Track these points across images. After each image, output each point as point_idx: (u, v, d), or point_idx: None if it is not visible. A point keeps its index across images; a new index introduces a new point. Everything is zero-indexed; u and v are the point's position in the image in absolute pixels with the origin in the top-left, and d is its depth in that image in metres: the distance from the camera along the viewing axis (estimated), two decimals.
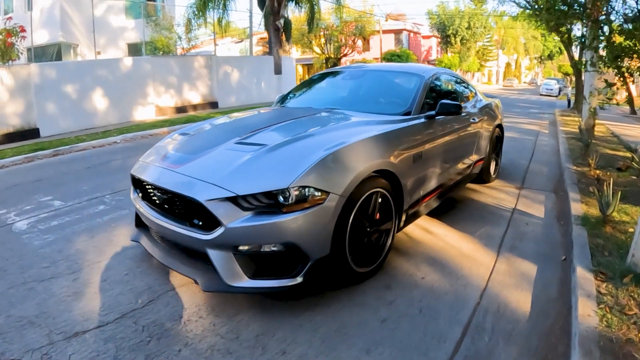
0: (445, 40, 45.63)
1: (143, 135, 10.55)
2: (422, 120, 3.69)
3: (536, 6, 14.76)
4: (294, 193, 2.49)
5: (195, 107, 15.80)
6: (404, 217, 3.39)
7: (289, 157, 2.74)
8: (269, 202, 2.50)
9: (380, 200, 3.02)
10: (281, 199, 2.49)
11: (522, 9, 17.00)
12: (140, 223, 3.39)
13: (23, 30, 11.24)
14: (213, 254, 2.54)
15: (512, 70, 67.54)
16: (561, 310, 2.76)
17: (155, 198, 2.98)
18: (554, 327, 2.59)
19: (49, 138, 10.60)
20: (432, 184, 3.83)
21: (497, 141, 5.77)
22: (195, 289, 2.97)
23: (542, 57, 67.84)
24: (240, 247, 2.51)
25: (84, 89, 12.23)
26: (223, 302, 2.83)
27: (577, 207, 4.36)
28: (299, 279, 2.57)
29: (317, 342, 2.43)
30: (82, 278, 3.20)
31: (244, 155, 2.78)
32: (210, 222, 2.55)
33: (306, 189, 2.52)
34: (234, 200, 2.48)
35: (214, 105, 16.54)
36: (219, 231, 2.48)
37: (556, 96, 33.81)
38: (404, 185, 3.25)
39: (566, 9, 6.97)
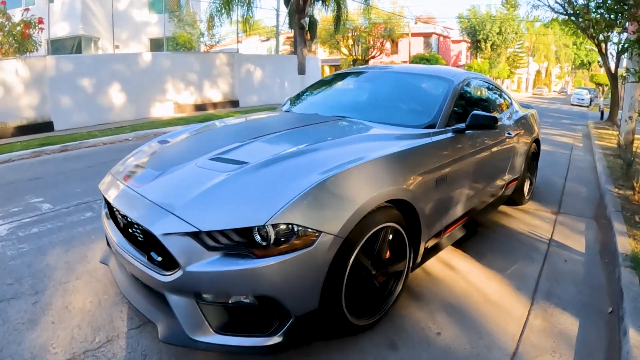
0: (476, 45, 44.53)
1: (156, 132, 10.14)
2: (449, 135, 3.06)
3: (571, 10, 14.13)
4: (272, 232, 1.89)
5: (215, 105, 15.45)
6: (420, 253, 2.77)
7: (272, 182, 2.12)
8: (242, 241, 1.91)
9: (391, 236, 2.43)
10: (258, 238, 1.91)
11: (555, 15, 16.30)
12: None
13: (41, 22, 11.03)
14: (173, 299, 1.98)
15: (542, 78, 65.88)
16: None
17: (119, 219, 2.45)
18: None
19: (62, 132, 10.39)
20: (458, 211, 3.19)
21: (532, 158, 5.09)
22: None
23: (574, 66, 66.15)
24: (205, 295, 1.95)
25: (100, 84, 11.99)
26: (188, 351, 2.28)
27: (624, 242, 3.71)
28: (277, 339, 1.98)
29: None
30: (43, 301, 2.79)
31: (216, 176, 2.19)
32: (169, 260, 1.99)
33: (290, 227, 1.92)
34: (197, 236, 1.91)
35: (234, 104, 16.18)
36: (177, 274, 1.92)
37: (587, 106, 33.07)
38: (423, 216, 2.63)
39: (619, 8, 6.26)
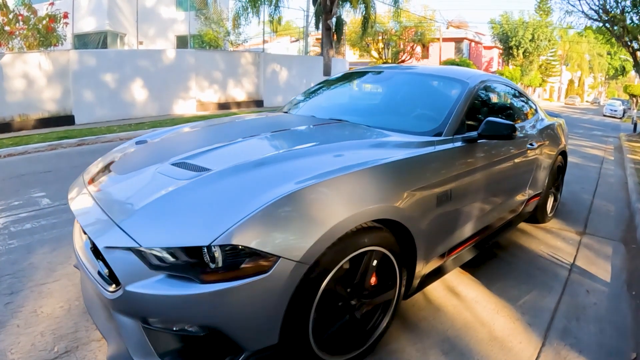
0: (507, 52, 43.68)
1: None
2: (458, 144, 2.69)
3: (606, 17, 13.62)
4: (219, 254, 1.61)
5: (239, 104, 15.38)
6: (416, 282, 2.42)
7: (230, 194, 1.82)
8: (188, 261, 1.63)
9: (375, 262, 2.09)
10: (207, 258, 1.61)
11: (589, 21, 15.80)
12: None
13: (66, 17, 11.14)
14: (119, 318, 1.73)
15: (574, 87, 64.30)
16: None
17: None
18: None
19: (83, 126, 10.45)
20: (467, 231, 2.83)
21: (558, 172, 4.67)
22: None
23: (608, 76, 64.44)
24: (149, 319, 1.69)
25: (123, 79, 12.00)
26: None
27: None
28: None
29: None
30: (16, 303, 2.67)
31: (170, 184, 1.92)
32: (113, 276, 1.74)
33: (239, 249, 1.63)
34: (139, 253, 1.66)
35: (259, 103, 16.08)
36: (118, 292, 1.67)
37: (620, 118, 32.15)
38: (419, 238, 2.26)
39: None
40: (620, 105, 34.87)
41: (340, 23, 17.18)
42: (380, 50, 35.11)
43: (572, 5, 15.68)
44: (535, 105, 4.52)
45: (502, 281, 3.24)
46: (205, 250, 1.60)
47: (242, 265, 1.62)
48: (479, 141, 2.81)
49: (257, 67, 15.83)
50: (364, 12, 17.71)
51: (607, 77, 65.19)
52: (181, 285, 1.60)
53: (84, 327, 2.42)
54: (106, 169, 2.43)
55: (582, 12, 15.18)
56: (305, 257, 1.70)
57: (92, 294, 2.10)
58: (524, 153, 3.59)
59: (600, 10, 13.68)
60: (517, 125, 3.14)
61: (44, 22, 10.76)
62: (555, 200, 4.78)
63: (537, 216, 4.35)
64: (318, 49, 33.43)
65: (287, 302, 1.71)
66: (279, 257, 1.65)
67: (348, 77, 4.16)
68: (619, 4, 12.68)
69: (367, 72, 4.09)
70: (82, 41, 15.35)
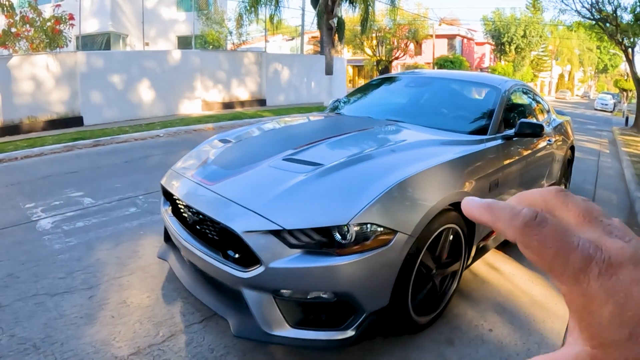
0: (500, 48, 44.10)
1: (187, 130, 10.28)
2: (500, 141, 3.13)
3: (599, 16, 13.99)
4: (354, 230, 1.97)
5: (242, 103, 15.51)
6: (472, 254, 2.85)
7: (349, 184, 2.22)
8: (322, 240, 1.99)
9: (451, 237, 2.51)
10: (338, 237, 1.98)
11: (581, 19, 16.17)
12: (169, 238, 2.94)
13: (72, 18, 11.19)
14: (249, 295, 2.07)
15: (565, 82, 64.95)
16: None
17: (185, 216, 2.54)
18: None
19: (92, 127, 10.50)
20: None
21: (568, 164, 5.16)
22: (224, 325, 2.52)
23: (597, 70, 65.18)
24: (283, 291, 2.03)
25: (130, 80, 12.10)
26: (257, 346, 2.37)
27: None
28: (350, 333, 2.06)
29: None
30: (98, 296, 2.85)
31: (294, 177, 2.28)
32: (248, 256, 2.08)
33: (369, 226, 2.00)
34: (279, 234, 1.99)
35: (262, 102, 16.21)
36: (258, 270, 2.00)
37: (611, 112, 32.55)
38: None
39: None
40: (611, 99, 35.43)
41: (341, 23, 17.37)
42: (374, 47, 35.29)
43: (565, 4, 16.08)
44: (547, 105, 4.91)
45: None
46: (337, 229, 1.97)
47: (371, 240, 1.99)
48: (514, 138, 3.22)
49: (260, 67, 15.95)
50: (363, 11, 17.89)
51: (596, 70, 65.91)
52: (320, 259, 1.95)
53: (179, 312, 2.67)
54: (207, 165, 2.72)
55: (576, 10, 15.58)
56: (413, 231, 2.11)
57: (194, 279, 2.41)
58: (544, 148, 3.99)
59: (593, 9, 14.06)
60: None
61: (49, 24, 10.84)
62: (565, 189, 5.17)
63: None
64: (312, 47, 33.60)
65: (398, 270, 2.10)
66: (397, 231, 2.05)
67: (387, 81, 4.52)
68: (611, 3, 13.07)
69: (405, 77, 4.44)
70: (85, 42, 15.41)
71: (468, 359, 2.37)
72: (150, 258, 3.37)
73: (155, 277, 3.09)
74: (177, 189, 2.59)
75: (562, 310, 2.92)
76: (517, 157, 3.31)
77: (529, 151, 3.60)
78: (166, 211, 2.82)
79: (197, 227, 2.43)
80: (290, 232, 1.99)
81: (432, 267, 2.43)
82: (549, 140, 4.10)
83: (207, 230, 2.35)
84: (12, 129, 9.67)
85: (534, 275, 3.39)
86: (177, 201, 2.63)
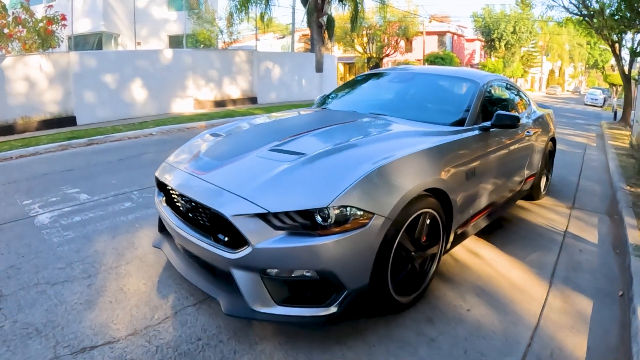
0: (490, 45, 44.40)
1: (180, 128, 10.42)
2: (476, 132, 3.31)
3: (586, 12, 14.21)
4: (334, 213, 2.16)
5: (234, 101, 15.66)
6: (451, 239, 3.03)
7: (330, 170, 2.41)
8: (304, 222, 2.17)
9: (428, 221, 2.68)
10: (319, 219, 2.16)
11: (570, 15, 16.40)
12: (163, 228, 3.13)
13: (64, 19, 11.24)
14: (238, 275, 2.24)
15: (555, 77, 65.40)
16: None
17: (179, 205, 2.72)
18: None
19: (86, 126, 10.59)
20: (483, 202, 3.44)
21: (549, 156, 5.34)
22: (216, 307, 2.69)
23: (588, 66, 65.57)
24: (269, 270, 2.21)
25: (123, 79, 12.20)
26: (247, 325, 2.54)
27: (635, 235, 3.96)
28: (333, 309, 2.24)
29: None
30: (96, 284, 2.99)
31: (279, 165, 2.47)
32: (236, 239, 2.26)
33: (348, 209, 2.19)
34: (265, 217, 2.18)
35: (253, 100, 16.36)
36: (245, 251, 2.18)
37: (601, 106, 32.90)
38: (455, 205, 2.90)
39: (633, 14, 6.41)
40: (600, 94, 35.74)
41: (331, 21, 17.51)
42: (365, 45, 35.46)
43: (553, 0, 16.31)
44: (528, 98, 5.11)
45: (510, 245, 3.90)
46: (318, 211, 2.15)
47: (349, 222, 2.18)
48: (491, 130, 3.41)
49: (251, 65, 16.09)
50: (352, 9, 18.03)
51: (587, 66, 66.29)
52: (302, 239, 2.14)
53: (174, 297, 2.82)
54: (199, 157, 2.89)
55: (563, 6, 15.83)
56: (390, 214, 2.29)
57: (187, 265, 2.60)
58: (523, 139, 4.17)
59: (580, 5, 14.27)
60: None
61: (41, 24, 10.89)
62: (547, 180, 5.43)
63: (532, 194, 4.99)
64: (303, 45, 33.68)
65: (376, 251, 2.28)
66: (374, 213, 2.23)
67: (372, 77, 4.71)
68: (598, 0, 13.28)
69: (390, 73, 4.61)
70: (77, 42, 15.45)
71: (447, 336, 2.53)
72: (146, 249, 3.53)
73: (151, 266, 3.24)
74: (171, 180, 2.75)
75: (539, 292, 3.10)
76: (494, 147, 3.47)
77: (507, 142, 3.78)
78: (160, 202, 2.99)
79: (190, 214, 2.59)
80: (275, 214, 2.16)
81: (411, 249, 2.59)
82: (528, 132, 4.28)
83: (199, 217, 2.52)
84: (6, 129, 9.77)
85: (514, 261, 3.57)
86: (171, 191, 2.80)
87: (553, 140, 5.45)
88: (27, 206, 4.59)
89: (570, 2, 15.02)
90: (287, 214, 2.17)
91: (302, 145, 2.79)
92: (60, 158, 7.28)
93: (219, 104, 15.07)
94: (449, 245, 3.04)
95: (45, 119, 10.56)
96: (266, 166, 2.50)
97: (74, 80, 11.05)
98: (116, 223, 4.11)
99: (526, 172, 4.41)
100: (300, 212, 2.17)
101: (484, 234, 4.00)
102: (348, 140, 2.84)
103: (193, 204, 2.52)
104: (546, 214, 4.83)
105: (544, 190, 5.30)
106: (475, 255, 3.66)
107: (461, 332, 2.58)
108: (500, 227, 4.29)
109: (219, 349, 2.33)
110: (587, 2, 13.89)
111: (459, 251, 3.66)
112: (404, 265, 2.57)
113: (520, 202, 5.02)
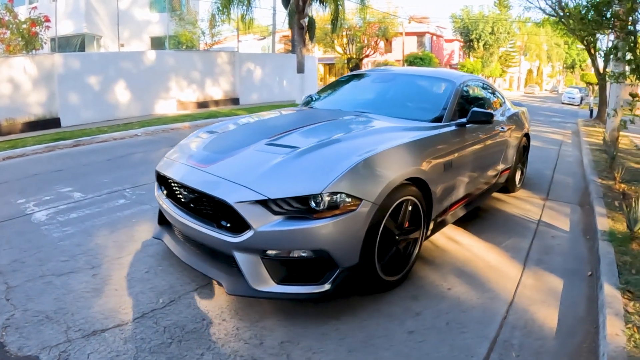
0: (468, 45, 45.17)
1: (164, 129, 10.52)
2: (453, 127, 3.60)
3: (562, 13, 14.62)
4: (327, 199, 2.42)
5: (217, 102, 15.79)
6: (431, 226, 3.31)
7: (322, 161, 2.68)
8: (300, 207, 2.43)
9: (410, 208, 2.95)
10: (313, 204, 2.42)
11: (547, 16, 16.84)
12: (163, 221, 3.35)
13: (47, 20, 11.27)
14: (240, 257, 2.48)
15: (533, 77, 66.53)
16: (588, 329, 2.69)
17: (181, 197, 2.93)
18: (582, 346, 2.52)
19: (70, 128, 10.58)
20: (460, 192, 3.74)
21: (523, 150, 5.66)
22: (218, 290, 2.92)
23: (565, 65, 66.91)
24: (269, 252, 2.46)
25: (107, 81, 12.21)
26: (247, 305, 2.76)
27: (604, 222, 4.27)
28: (327, 286, 2.50)
29: (344, 352, 2.37)
30: (101, 274, 3.15)
31: (276, 157, 2.73)
32: (238, 224, 2.50)
33: (339, 195, 2.45)
34: (265, 203, 2.43)
35: (235, 101, 16.51)
36: (247, 234, 2.43)
37: (578, 105, 33.53)
38: (434, 193, 3.18)
39: (599, 19, 6.76)
40: (577, 93, 36.47)
41: (312, 22, 17.70)
42: (345, 45, 35.74)
43: (530, 2, 16.76)
44: (502, 97, 5.44)
45: (487, 232, 4.21)
46: (313, 197, 2.41)
47: (340, 206, 2.45)
48: (467, 125, 3.71)
49: (233, 66, 16.22)
50: (333, 10, 18.23)
51: (564, 65, 67.63)
52: (299, 223, 2.41)
53: (178, 283, 3.02)
54: (199, 151, 3.12)
55: (540, 8, 16.28)
56: (376, 199, 2.57)
57: (189, 252, 2.86)
58: (497, 135, 4.48)
59: (557, 7, 14.66)
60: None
61: (25, 26, 10.89)
62: (522, 174, 5.76)
63: (508, 186, 5.29)
64: (283, 47, 33.79)
65: (365, 233, 2.55)
66: (362, 199, 2.50)
67: (355, 77, 4.99)
68: (573, 0, 13.68)
69: (372, 73, 4.90)
70: (60, 44, 15.42)
71: (430, 310, 2.80)
72: (146, 241, 3.71)
73: (152, 256, 3.43)
74: (174, 174, 2.97)
75: (514, 272, 3.40)
76: (470, 142, 3.77)
77: (483, 137, 4.08)
78: (161, 195, 3.19)
79: (192, 205, 2.83)
80: (274, 201, 2.43)
81: (396, 232, 2.87)
82: (502, 128, 4.58)
83: (201, 207, 2.76)
84: None
85: (491, 246, 3.88)
86: (173, 184, 3.01)
87: (527, 136, 5.76)
88: (22, 205, 4.69)
89: (546, 4, 15.43)
90: (284, 200, 2.43)
91: (295, 140, 3.05)
92: (48, 159, 7.32)
93: (202, 105, 15.19)
94: (429, 232, 3.32)
95: (29, 121, 10.52)
96: (264, 158, 2.75)
97: (59, 82, 11.03)
98: (114, 218, 4.27)
99: (501, 166, 4.70)
100: (297, 198, 2.43)
101: (462, 223, 4.28)
102: (336, 135, 3.11)
103: (196, 194, 2.74)
104: (521, 205, 5.15)
105: (519, 183, 5.61)
106: (454, 241, 3.94)
107: (443, 307, 2.85)
108: (477, 216, 4.59)
109: (222, 326, 2.55)
110: (563, 3, 14.29)
111: (439, 238, 3.94)
112: (389, 246, 2.84)
113: (496, 194, 5.32)
